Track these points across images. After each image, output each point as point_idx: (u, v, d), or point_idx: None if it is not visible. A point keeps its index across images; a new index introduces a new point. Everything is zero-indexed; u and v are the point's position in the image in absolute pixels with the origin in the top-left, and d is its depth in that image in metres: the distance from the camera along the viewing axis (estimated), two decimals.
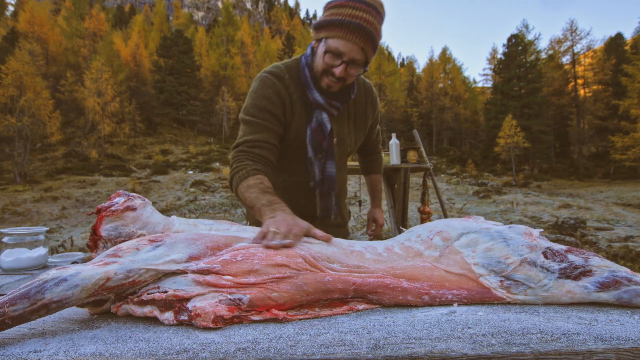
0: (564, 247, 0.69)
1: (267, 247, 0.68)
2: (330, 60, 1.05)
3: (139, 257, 0.62)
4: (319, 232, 0.81)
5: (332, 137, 1.19)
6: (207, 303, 0.56)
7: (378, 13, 1.02)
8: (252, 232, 0.79)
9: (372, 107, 1.31)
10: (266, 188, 0.99)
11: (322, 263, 0.67)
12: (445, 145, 37.16)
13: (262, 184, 1.00)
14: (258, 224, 1.28)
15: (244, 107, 1.16)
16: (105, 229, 0.75)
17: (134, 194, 0.83)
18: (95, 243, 0.76)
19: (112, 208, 0.77)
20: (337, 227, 1.38)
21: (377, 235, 1.55)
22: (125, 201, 0.79)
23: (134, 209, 0.78)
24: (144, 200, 0.83)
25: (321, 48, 1.06)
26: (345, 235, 1.40)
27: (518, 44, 31.16)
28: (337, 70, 1.04)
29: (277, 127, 1.13)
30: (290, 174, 1.26)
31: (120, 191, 0.83)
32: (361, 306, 0.64)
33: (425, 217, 3.35)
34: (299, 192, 1.25)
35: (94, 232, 0.76)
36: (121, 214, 0.77)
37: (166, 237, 0.68)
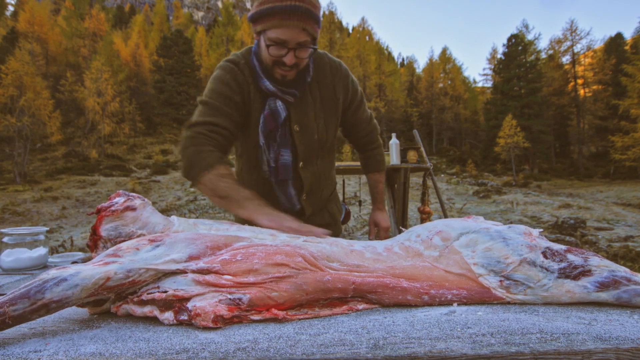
0: (563, 247, 0.69)
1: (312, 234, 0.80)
2: (276, 52, 1.01)
3: (139, 257, 0.62)
4: (316, 230, 0.87)
5: (289, 124, 1.14)
6: (207, 303, 0.56)
7: None
8: (251, 231, 0.80)
9: (343, 86, 1.23)
10: (238, 181, 0.98)
11: (321, 262, 0.67)
12: (445, 145, 37.16)
13: (233, 176, 0.99)
14: (243, 221, 1.28)
15: (204, 92, 1.13)
16: (105, 229, 0.75)
17: (133, 194, 0.84)
18: (95, 243, 0.76)
19: (112, 208, 0.77)
20: (326, 227, 1.32)
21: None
22: (125, 201, 0.79)
23: (133, 209, 0.79)
24: (144, 200, 0.83)
25: (262, 42, 1.02)
26: (336, 235, 1.35)
27: (518, 44, 31.16)
28: (287, 59, 1.00)
29: (235, 113, 1.09)
30: (251, 166, 1.23)
31: (120, 191, 0.83)
32: (361, 306, 0.64)
33: (425, 217, 3.35)
34: (264, 187, 1.22)
35: (94, 232, 0.76)
36: (121, 214, 0.77)
37: (166, 237, 0.68)
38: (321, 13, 1.02)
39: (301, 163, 1.19)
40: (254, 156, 1.19)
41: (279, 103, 1.11)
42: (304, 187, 1.22)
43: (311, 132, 1.18)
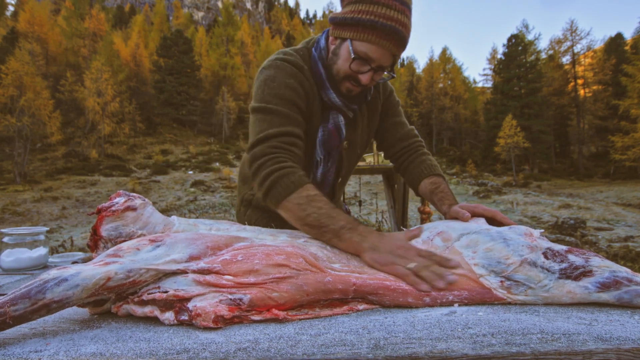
0: (564, 248, 0.69)
1: (438, 289, 0.62)
2: (357, 67, 0.92)
3: (140, 257, 0.62)
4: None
5: (343, 140, 1.09)
6: (207, 303, 0.56)
7: (410, 11, 0.90)
8: (252, 232, 0.80)
9: (380, 92, 1.17)
10: (333, 205, 0.81)
11: (322, 263, 0.67)
12: (445, 145, 37.17)
13: (325, 198, 0.82)
14: (258, 223, 1.25)
15: (259, 96, 0.96)
16: (105, 229, 0.75)
17: (134, 194, 0.83)
18: (95, 243, 0.76)
19: (113, 208, 0.77)
20: None
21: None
22: (125, 201, 0.79)
23: (134, 209, 0.78)
24: (144, 200, 0.83)
25: (345, 51, 0.93)
26: None
27: (518, 44, 31.18)
28: (364, 78, 0.92)
29: (302, 119, 0.97)
30: None
31: (121, 191, 0.83)
32: (361, 306, 0.64)
33: (425, 217, 3.35)
34: None
35: (94, 232, 0.76)
36: (121, 214, 0.77)
37: (166, 237, 0.68)
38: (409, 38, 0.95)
39: (340, 179, 1.15)
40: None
41: (341, 118, 1.04)
42: (334, 199, 1.19)
43: (355, 147, 1.13)
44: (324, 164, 1.07)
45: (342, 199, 1.41)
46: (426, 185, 1.08)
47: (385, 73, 0.96)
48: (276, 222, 1.19)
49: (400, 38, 0.88)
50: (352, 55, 0.91)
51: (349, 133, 1.10)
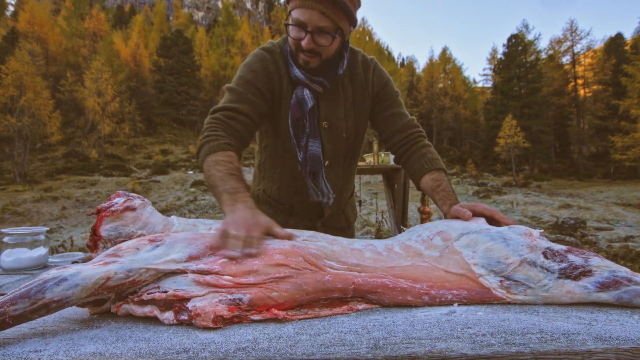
0: (564, 247, 0.69)
1: (229, 258, 0.62)
2: (296, 33, 0.99)
3: (139, 257, 0.62)
4: (280, 231, 0.74)
5: (316, 116, 1.10)
6: (207, 303, 0.56)
7: None
8: None
9: (373, 80, 1.16)
10: (233, 169, 0.89)
11: (321, 262, 0.67)
12: (445, 145, 37.16)
13: (230, 163, 0.90)
14: None
15: (233, 79, 1.10)
16: (105, 229, 0.76)
17: (133, 194, 0.84)
18: (95, 243, 0.76)
19: (112, 208, 0.77)
20: (341, 231, 1.30)
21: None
22: (125, 201, 0.79)
23: (133, 209, 0.79)
24: (144, 200, 0.83)
25: (289, 22, 1.00)
26: (350, 238, 1.31)
27: (518, 44, 31.18)
28: (304, 43, 0.97)
29: (260, 101, 1.06)
30: (276, 158, 1.18)
31: (120, 191, 0.83)
32: (361, 306, 0.64)
33: (425, 217, 3.35)
34: (295, 186, 1.17)
35: (94, 232, 0.76)
36: (121, 214, 0.77)
37: (166, 237, 0.68)
38: (354, 5, 0.98)
39: (327, 162, 1.15)
40: (281, 148, 1.15)
41: (307, 92, 1.07)
42: (326, 183, 1.16)
43: (339, 130, 1.13)
44: (297, 140, 1.10)
45: (351, 191, 1.34)
46: (427, 182, 1.07)
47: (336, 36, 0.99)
48: (280, 216, 1.23)
49: None
50: (289, 24, 0.98)
51: (326, 113, 1.11)
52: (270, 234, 0.74)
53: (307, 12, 0.94)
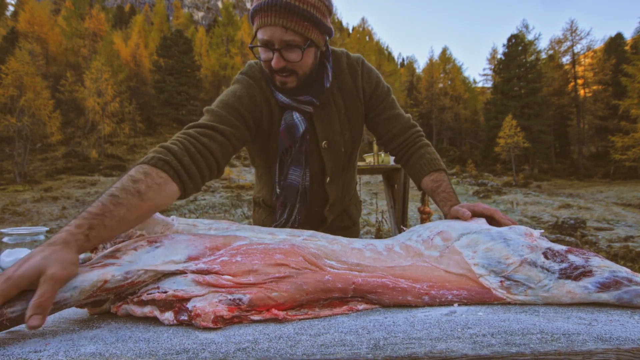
0: (564, 248, 0.69)
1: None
2: (264, 54, 0.92)
3: (138, 258, 0.62)
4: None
5: (315, 139, 1.05)
6: (207, 303, 0.56)
7: None
8: (251, 231, 0.79)
9: (363, 84, 1.10)
10: (141, 189, 0.68)
11: (321, 261, 0.67)
12: (445, 145, 37.16)
13: (124, 183, 0.67)
14: (261, 222, 1.29)
15: (213, 103, 1.00)
16: None
17: None
18: None
19: None
20: (346, 229, 1.31)
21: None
22: None
23: None
24: None
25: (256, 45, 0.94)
26: (355, 236, 1.32)
27: (518, 44, 31.18)
28: (273, 62, 0.90)
29: (242, 126, 0.95)
30: (270, 190, 1.16)
31: None
32: (361, 306, 0.64)
33: (425, 217, 3.35)
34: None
35: None
36: None
37: (165, 238, 0.68)
38: (319, 8, 0.90)
39: (328, 179, 1.12)
40: (271, 180, 1.10)
41: (296, 115, 1.00)
42: (328, 200, 1.16)
43: (338, 146, 1.09)
44: (281, 172, 1.04)
45: (353, 191, 1.33)
46: (428, 184, 1.05)
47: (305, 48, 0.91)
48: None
49: (281, 7, 0.84)
50: (254, 45, 0.92)
51: (324, 132, 1.06)
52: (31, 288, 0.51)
53: (269, 29, 0.86)
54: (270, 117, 1.04)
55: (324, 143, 1.07)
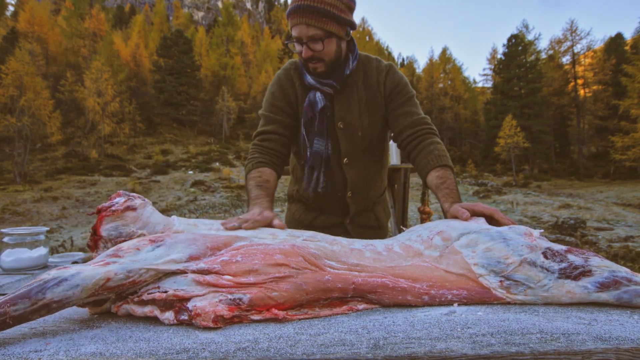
0: (564, 248, 0.69)
1: (225, 227, 0.81)
2: (298, 48, 1.13)
3: (139, 257, 0.62)
4: (277, 223, 0.88)
5: (327, 117, 1.19)
6: (207, 303, 0.56)
7: None
8: (252, 231, 0.80)
9: (385, 80, 1.24)
10: (261, 182, 1.09)
11: (321, 261, 0.67)
12: (445, 145, 37.06)
13: (260, 177, 1.10)
14: (296, 223, 1.38)
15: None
16: (105, 229, 0.75)
17: (134, 194, 0.84)
18: (95, 243, 0.76)
19: (113, 208, 0.77)
20: (372, 229, 1.35)
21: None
22: (125, 201, 0.79)
23: (134, 208, 0.78)
24: (144, 200, 0.83)
25: None
26: (382, 238, 1.31)
27: (518, 44, 31.17)
28: (303, 53, 1.11)
29: (283, 117, 1.23)
30: (299, 159, 1.30)
31: (121, 191, 0.83)
32: (361, 306, 0.64)
33: (425, 217, 3.35)
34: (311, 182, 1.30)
35: (94, 232, 0.76)
36: (121, 213, 0.77)
37: (166, 237, 0.68)
38: (336, 6, 1.07)
39: (345, 159, 1.23)
40: (302, 152, 1.26)
41: (318, 94, 1.19)
42: (347, 184, 1.25)
43: (354, 129, 1.22)
44: (309, 141, 1.21)
45: (381, 190, 1.40)
46: (433, 179, 1.06)
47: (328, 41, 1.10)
48: (311, 213, 1.36)
49: (303, 9, 1.05)
50: (289, 42, 1.15)
51: (341, 113, 1.21)
52: (269, 225, 0.88)
53: (297, 27, 1.08)
54: (296, 97, 1.24)
55: (339, 124, 1.21)
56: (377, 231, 1.37)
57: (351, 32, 1.18)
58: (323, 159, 1.21)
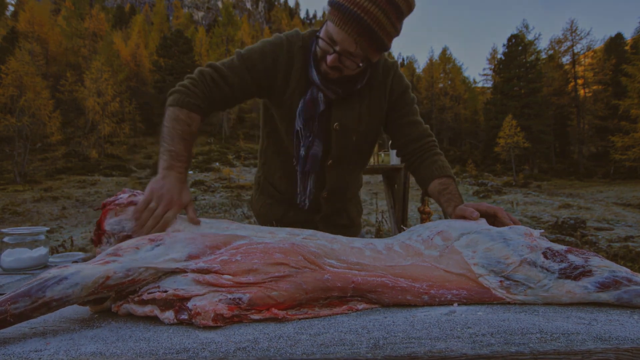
0: (564, 248, 0.69)
1: (139, 227, 0.76)
2: (324, 47, 0.97)
3: (139, 256, 0.63)
4: (192, 215, 0.82)
5: (325, 119, 1.09)
6: (207, 302, 0.56)
7: (393, 7, 0.89)
8: (251, 230, 0.80)
9: (391, 85, 1.15)
10: (187, 134, 0.94)
11: (321, 260, 0.67)
12: (445, 145, 37.14)
13: (188, 126, 0.95)
14: (264, 218, 1.30)
15: (246, 48, 1.10)
16: (109, 223, 0.77)
17: (138, 191, 0.86)
18: (99, 238, 0.77)
19: (117, 202, 0.80)
20: (343, 228, 1.30)
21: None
22: (129, 196, 0.82)
23: (137, 203, 0.80)
24: None
25: (322, 30, 0.98)
26: (354, 235, 1.29)
27: (518, 44, 31.15)
28: (329, 59, 0.96)
29: (252, 83, 1.06)
30: (278, 148, 1.19)
31: (125, 189, 0.86)
32: (361, 306, 0.64)
33: (425, 217, 3.35)
34: (287, 172, 1.18)
35: (99, 226, 0.77)
36: (125, 208, 0.79)
37: (166, 236, 0.68)
38: (389, 41, 0.95)
39: (330, 161, 1.14)
40: (283, 139, 1.15)
41: (321, 95, 1.06)
42: (326, 185, 1.18)
43: (350, 132, 1.13)
44: (304, 136, 1.09)
45: (356, 190, 1.35)
46: (435, 186, 1.07)
47: (360, 64, 0.97)
48: (280, 207, 1.25)
49: (362, 26, 0.88)
50: (323, 35, 0.97)
51: (339, 115, 1.10)
52: (186, 213, 0.83)
53: (342, 33, 0.91)
54: (287, 78, 1.08)
55: (335, 125, 1.10)
56: (349, 229, 1.32)
57: None
58: (318, 165, 1.13)
